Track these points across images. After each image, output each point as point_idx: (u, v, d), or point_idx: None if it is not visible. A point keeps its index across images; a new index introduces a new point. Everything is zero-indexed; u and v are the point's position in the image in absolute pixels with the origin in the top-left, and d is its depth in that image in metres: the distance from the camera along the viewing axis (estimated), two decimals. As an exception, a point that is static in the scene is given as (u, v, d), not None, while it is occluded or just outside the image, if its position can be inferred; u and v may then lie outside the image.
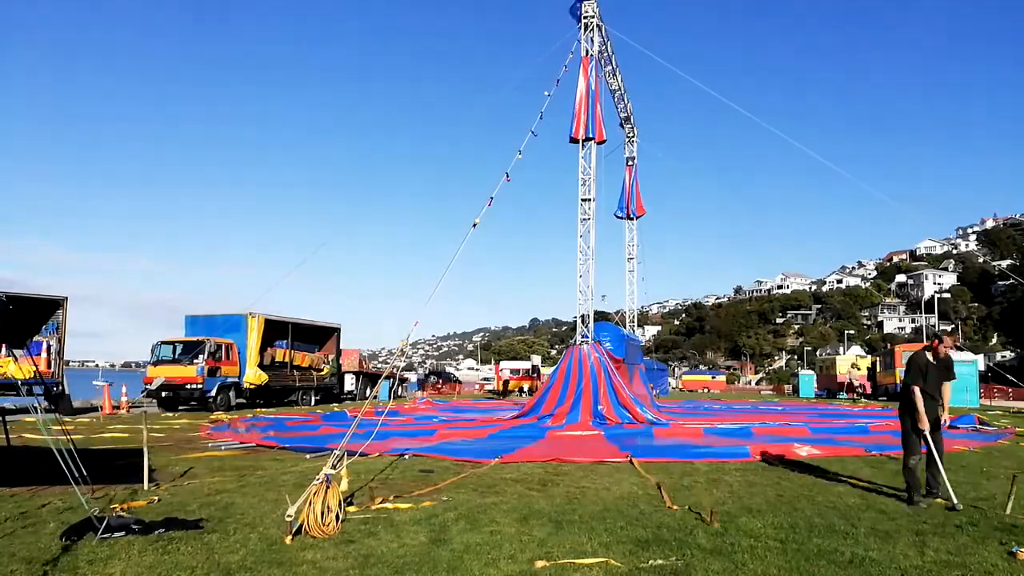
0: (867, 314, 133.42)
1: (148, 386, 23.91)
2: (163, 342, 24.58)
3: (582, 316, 21.13)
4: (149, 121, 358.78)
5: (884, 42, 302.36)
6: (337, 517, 6.29)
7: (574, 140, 21.46)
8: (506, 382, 48.66)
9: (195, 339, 24.35)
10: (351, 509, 7.09)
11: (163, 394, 23.48)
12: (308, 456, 11.22)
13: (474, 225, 11.18)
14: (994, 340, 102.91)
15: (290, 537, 5.97)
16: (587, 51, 21.63)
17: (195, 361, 23.28)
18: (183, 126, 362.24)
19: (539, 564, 5.39)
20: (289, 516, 6.08)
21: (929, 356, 7.93)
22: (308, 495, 6.22)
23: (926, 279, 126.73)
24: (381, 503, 7.41)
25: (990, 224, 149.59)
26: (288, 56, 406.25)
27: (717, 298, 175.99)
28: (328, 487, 6.29)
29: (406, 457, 11.17)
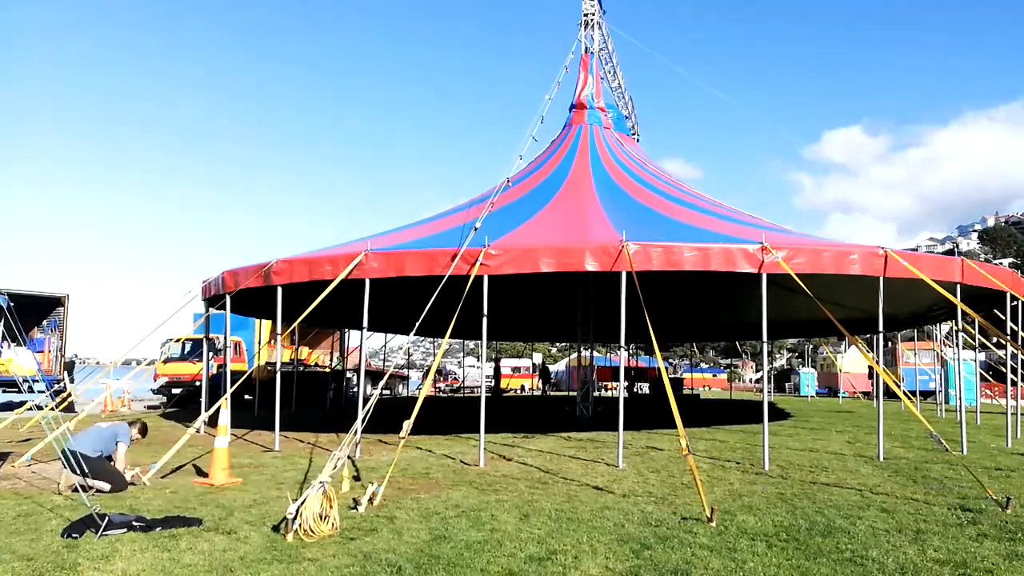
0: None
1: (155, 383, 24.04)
2: (172, 340, 24.57)
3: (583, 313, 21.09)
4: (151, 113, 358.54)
5: (882, 34, 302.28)
6: (336, 519, 6.29)
7: (575, 138, 21.43)
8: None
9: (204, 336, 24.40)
10: (353, 504, 7.09)
11: (173, 391, 23.55)
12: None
13: (475, 229, 11.19)
14: (995, 338, 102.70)
15: (291, 535, 5.98)
16: (587, 48, 21.59)
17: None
18: (180, 120, 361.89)
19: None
20: (290, 514, 6.08)
21: None
22: (306, 497, 6.22)
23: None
24: (382, 501, 7.42)
25: (991, 222, 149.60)
26: (285, 59, 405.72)
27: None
28: (325, 492, 6.30)
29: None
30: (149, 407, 23.98)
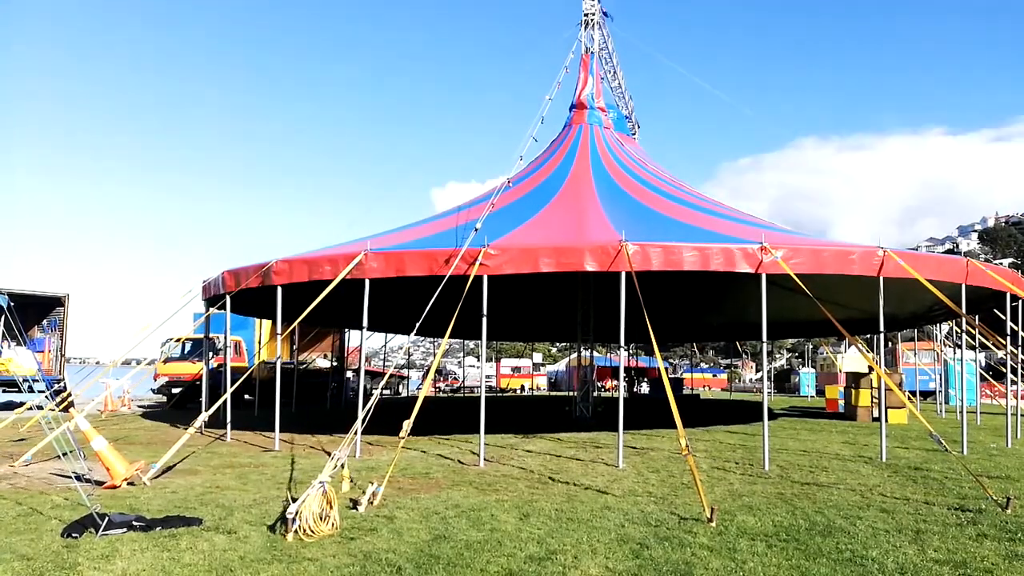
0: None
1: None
2: (172, 339, 24.58)
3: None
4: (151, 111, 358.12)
5: (880, 35, 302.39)
6: (336, 519, 6.29)
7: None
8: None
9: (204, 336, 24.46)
10: (352, 504, 7.10)
11: (173, 391, 23.57)
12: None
13: (476, 229, 11.22)
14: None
15: (291, 534, 5.98)
16: (587, 48, 21.58)
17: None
18: (176, 119, 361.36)
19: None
20: (290, 514, 6.09)
21: None
22: (306, 497, 6.22)
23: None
24: (382, 501, 7.42)
25: (991, 222, 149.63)
26: (286, 59, 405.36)
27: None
28: (325, 492, 6.30)
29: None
30: (142, 407, 23.97)
